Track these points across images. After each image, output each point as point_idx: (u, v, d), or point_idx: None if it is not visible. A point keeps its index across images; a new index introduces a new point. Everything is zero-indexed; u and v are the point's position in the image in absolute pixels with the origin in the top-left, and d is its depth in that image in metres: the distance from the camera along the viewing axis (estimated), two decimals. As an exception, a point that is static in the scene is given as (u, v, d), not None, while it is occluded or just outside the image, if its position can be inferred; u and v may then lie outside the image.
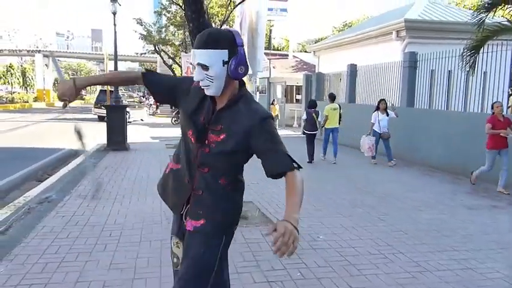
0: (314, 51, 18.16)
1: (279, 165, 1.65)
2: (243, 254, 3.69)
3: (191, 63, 1.79)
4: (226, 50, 1.65)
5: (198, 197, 1.83)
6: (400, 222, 4.85)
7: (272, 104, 17.89)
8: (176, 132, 12.75)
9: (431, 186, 7.06)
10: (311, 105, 9.47)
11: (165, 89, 1.92)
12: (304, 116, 9.50)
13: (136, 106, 23.90)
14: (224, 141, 1.73)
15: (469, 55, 7.50)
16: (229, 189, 1.84)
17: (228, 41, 1.66)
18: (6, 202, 5.50)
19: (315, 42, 26.19)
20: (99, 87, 24.41)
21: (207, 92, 1.71)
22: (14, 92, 45.59)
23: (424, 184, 7.21)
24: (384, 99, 9.27)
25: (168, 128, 18.02)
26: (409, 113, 9.67)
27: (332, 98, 9.78)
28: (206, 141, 1.76)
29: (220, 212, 1.83)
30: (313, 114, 9.18)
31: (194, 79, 1.72)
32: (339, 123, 9.47)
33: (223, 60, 1.65)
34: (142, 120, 23.44)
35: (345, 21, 35.19)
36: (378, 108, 9.10)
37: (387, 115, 8.99)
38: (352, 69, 12.55)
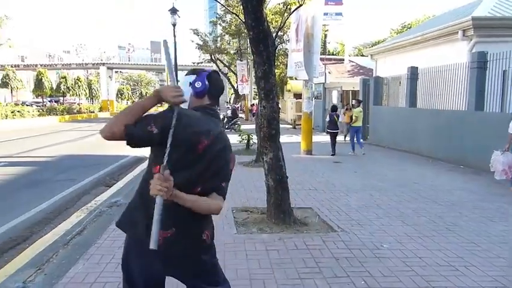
0: (371, 55, 17.69)
1: None
2: (304, 260, 3.66)
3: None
4: (194, 76, 1.88)
5: None
6: (471, 233, 4.56)
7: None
8: (233, 138, 12.99)
9: (504, 195, 6.55)
10: (333, 109, 11.61)
11: None
12: (327, 118, 11.54)
13: None
14: None
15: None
16: None
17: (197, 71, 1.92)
18: (79, 206, 5.92)
19: (372, 46, 25.53)
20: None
21: None
22: (79, 104, 48.98)
23: (496, 193, 6.71)
24: None
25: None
26: (478, 117, 9.10)
27: (359, 102, 12.02)
28: None
29: None
30: (334, 117, 11.25)
31: None
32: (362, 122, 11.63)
33: (189, 82, 1.87)
34: None
35: (403, 22, 33.91)
36: None
37: None
38: (413, 72, 12.04)
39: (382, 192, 6.57)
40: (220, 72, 33.47)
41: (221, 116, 21.99)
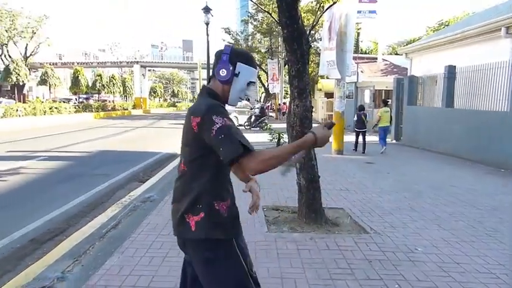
0: (406, 53, 17.23)
1: None
2: (336, 261, 3.61)
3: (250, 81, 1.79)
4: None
5: None
6: (513, 239, 4.35)
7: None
8: (261, 136, 12.99)
9: (549, 200, 6.22)
10: (360, 108, 11.84)
11: None
12: (355, 117, 11.65)
13: (246, 112, 24.64)
14: None
15: None
16: None
17: None
18: (114, 200, 6.08)
19: (407, 44, 24.86)
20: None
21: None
22: (113, 101, 50.43)
23: (539, 198, 6.38)
24: None
25: (250, 134, 18.39)
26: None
27: (385, 102, 12.19)
28: None
29: None
30: (362, 116, 11.41)
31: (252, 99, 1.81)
32: (390, 122, 11.89)
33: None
34: None
35: (440, 20, 32.86)
36: None
37: None
38: (451, 71, 11.62)
39: (416, 195, 6.38)
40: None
41: (249, 115, 22.03)
